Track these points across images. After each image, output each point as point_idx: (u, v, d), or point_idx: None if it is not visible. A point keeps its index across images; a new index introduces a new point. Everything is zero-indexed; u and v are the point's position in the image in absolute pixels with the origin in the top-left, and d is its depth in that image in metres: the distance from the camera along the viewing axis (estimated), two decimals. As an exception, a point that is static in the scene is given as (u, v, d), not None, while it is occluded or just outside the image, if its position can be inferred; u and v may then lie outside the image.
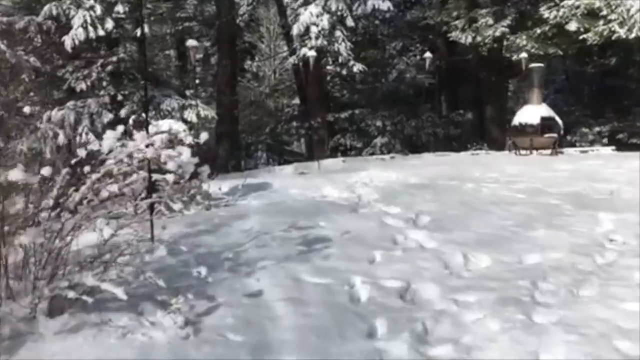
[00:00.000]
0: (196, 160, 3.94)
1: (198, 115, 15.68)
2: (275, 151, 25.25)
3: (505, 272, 4.16)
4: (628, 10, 14.79)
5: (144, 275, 3.46)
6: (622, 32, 15.00)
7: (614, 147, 14.84)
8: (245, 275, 4.23)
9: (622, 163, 10.29)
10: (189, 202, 6.49)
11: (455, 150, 16.62)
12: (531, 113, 13.13)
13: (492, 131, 19.68)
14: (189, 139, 6.39)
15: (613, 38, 15.31)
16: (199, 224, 5.80)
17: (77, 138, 11.18)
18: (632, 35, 14.79)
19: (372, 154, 19.46)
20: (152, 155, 3.72)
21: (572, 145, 16.86)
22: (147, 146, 3.94)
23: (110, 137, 3.36)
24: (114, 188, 3.62)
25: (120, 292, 3.29)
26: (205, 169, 4.40)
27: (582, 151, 14.59)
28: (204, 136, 4.39)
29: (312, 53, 13.98)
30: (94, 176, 3.76)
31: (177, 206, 5.89)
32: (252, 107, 25.66)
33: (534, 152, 12.90)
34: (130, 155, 3.72)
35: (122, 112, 14.21)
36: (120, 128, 3.45)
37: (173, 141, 5.41)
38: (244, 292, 3.88)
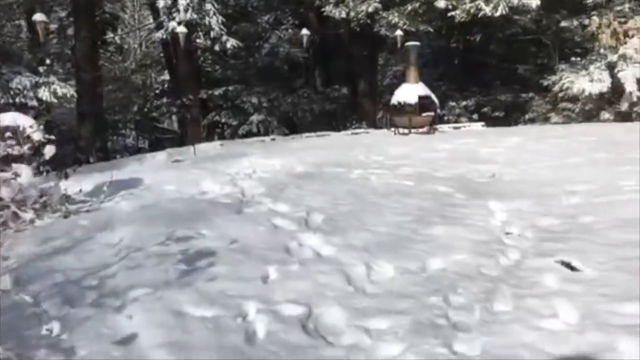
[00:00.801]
0: (39, 180, 3.11)
1: (54, 93, 14.21)
2: (145, 130, 23.53)
3: (412, 286, 3.79)
4: (494, -11, 15.33)
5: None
6: (487, 10, 15.57)
7: (483, 123, 15.43)
8: (114, 311, 3.49)
9: (496, 142, 10.59)
10: (43, 209, 5.50)
11: (334, 128, 16.42)
12: (409, 92, 13.14)
13: (365, 105, 19.89)
14: (38, 136, 5.38)
15: (479, 16, 15.83)
16: (55, 238, 4.87)
17: None
18: (498, 13, 15.38)
19: (249, 131, 18.76)
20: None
21: (441, 118, 17.35)
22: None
23: None
24: None
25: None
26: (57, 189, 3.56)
27: (455, 127, 15.01)
28: (49, 150, 3.54)
29: (182, 29, 12.91)
30: None
31: (27, 215, 4.92)
32: (118, 83, 23.84)
33: (412, 130, 12.97)
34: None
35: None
36: None
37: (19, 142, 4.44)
38: (112, 337, 3.15)
